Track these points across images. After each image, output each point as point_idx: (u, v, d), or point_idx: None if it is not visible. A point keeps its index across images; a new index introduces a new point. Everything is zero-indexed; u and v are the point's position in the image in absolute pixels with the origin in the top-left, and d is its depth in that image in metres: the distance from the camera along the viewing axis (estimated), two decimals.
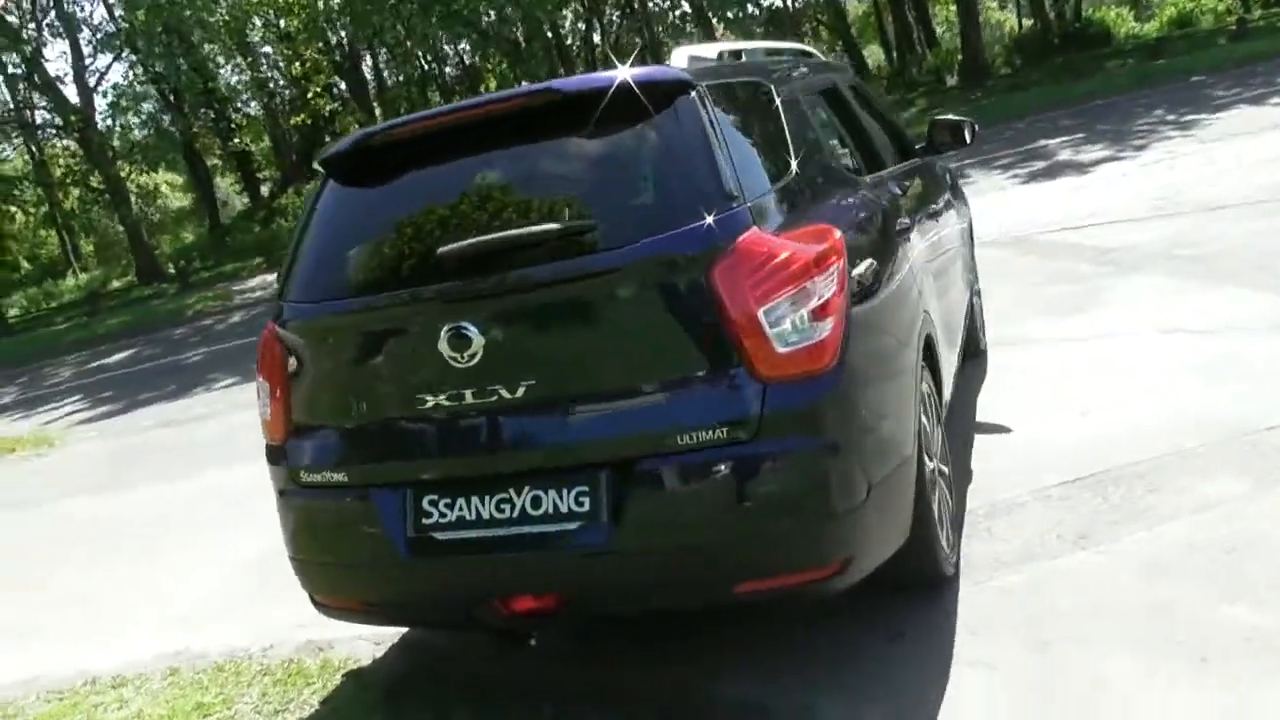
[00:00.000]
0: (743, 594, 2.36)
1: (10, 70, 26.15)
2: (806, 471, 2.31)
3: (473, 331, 2.38)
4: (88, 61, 26.66)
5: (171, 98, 30.34)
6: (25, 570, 5.13)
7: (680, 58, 2.70)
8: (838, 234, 2.45)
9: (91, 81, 26.88)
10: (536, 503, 2.39)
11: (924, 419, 2.77)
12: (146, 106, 31.80)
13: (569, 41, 31.52)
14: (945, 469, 3.07)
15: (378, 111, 31.17)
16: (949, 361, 3.51)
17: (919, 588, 2.84)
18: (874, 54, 40.13)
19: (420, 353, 2.44)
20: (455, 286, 2.41)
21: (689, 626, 2.93)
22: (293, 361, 2.65)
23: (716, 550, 2.33)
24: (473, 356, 2.39)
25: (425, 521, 2.50)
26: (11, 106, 29.14)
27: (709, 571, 2.37)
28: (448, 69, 36.35)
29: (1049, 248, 7.37)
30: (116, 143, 28.96)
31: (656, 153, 2.42)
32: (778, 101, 2.85)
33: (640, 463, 2.33)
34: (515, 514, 2.41)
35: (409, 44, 27.47)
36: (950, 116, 4.65)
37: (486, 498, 2.44)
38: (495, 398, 2.41)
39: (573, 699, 2.70)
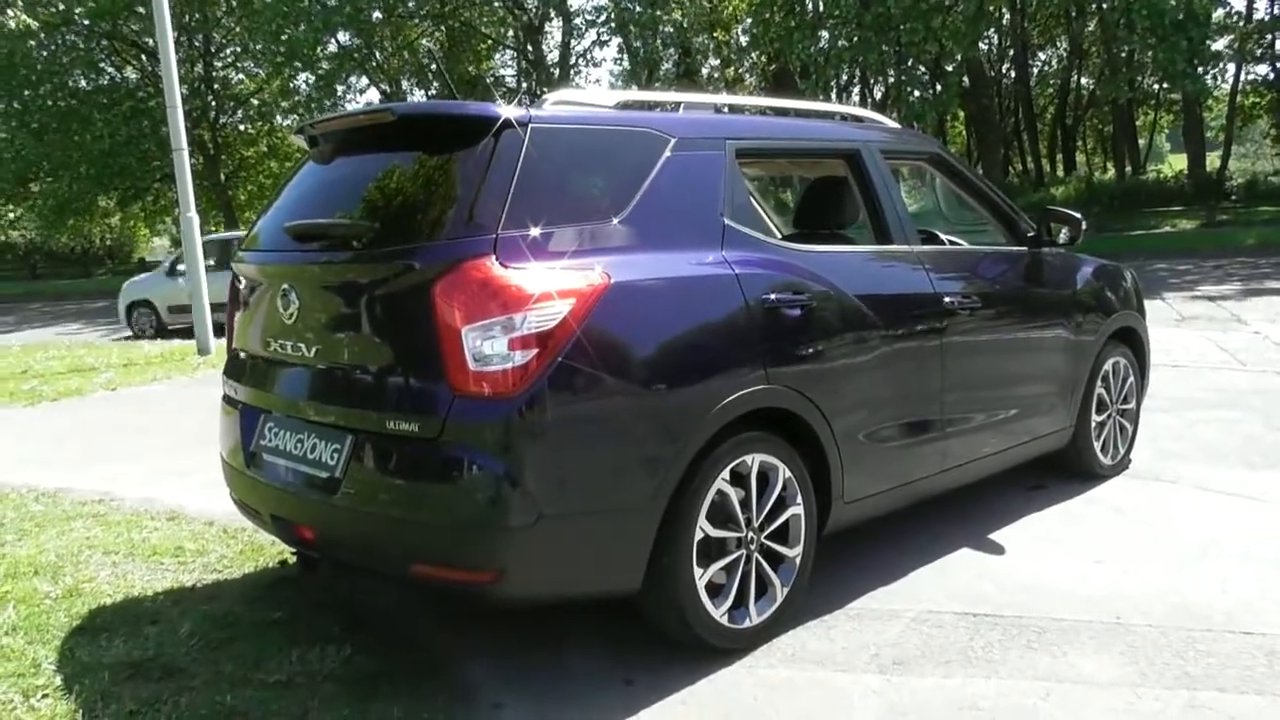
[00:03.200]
0: (418, 575, 2.64)
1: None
2: (470, 480, 2.53)
3: (292, 296, 2.89)
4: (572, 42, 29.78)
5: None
6: (173, 425, 6.51)
7: (551, 100, 2.95)
8: (592, 283, 2.59)
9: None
10: (314, 448, 2.85)
11: (710, 497, 2.80)
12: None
13: None
14: (790, 552, 3.05)
15: None
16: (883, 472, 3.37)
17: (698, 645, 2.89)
18: None
19: (271, 305, 3.00)
20: (288, 255, 2.94)
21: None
22: (239, 296, 3.33)
23: (398, 528, 2.63)
24: (291, 316, 2.91)
25: (260, 442, 3.06)
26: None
27: (393, 545, 2.68)
28: None
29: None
30: None
31: (445, 175, 2.73)
32: (664, 153, 2.96)
33: (368, 436, 2.70)
34: (302, 453, 2.89)
35: None
36: (1063, 209, 4.22)
37: (291, 434, 2.95)
38: (300, 354, 2.91)
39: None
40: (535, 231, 2.63)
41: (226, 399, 3.34)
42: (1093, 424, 4.45)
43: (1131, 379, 4.70)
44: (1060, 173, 33.91)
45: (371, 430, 2.69)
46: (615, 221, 2.79)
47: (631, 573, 2.70)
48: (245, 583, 3.56)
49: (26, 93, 21.57)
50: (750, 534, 2.96)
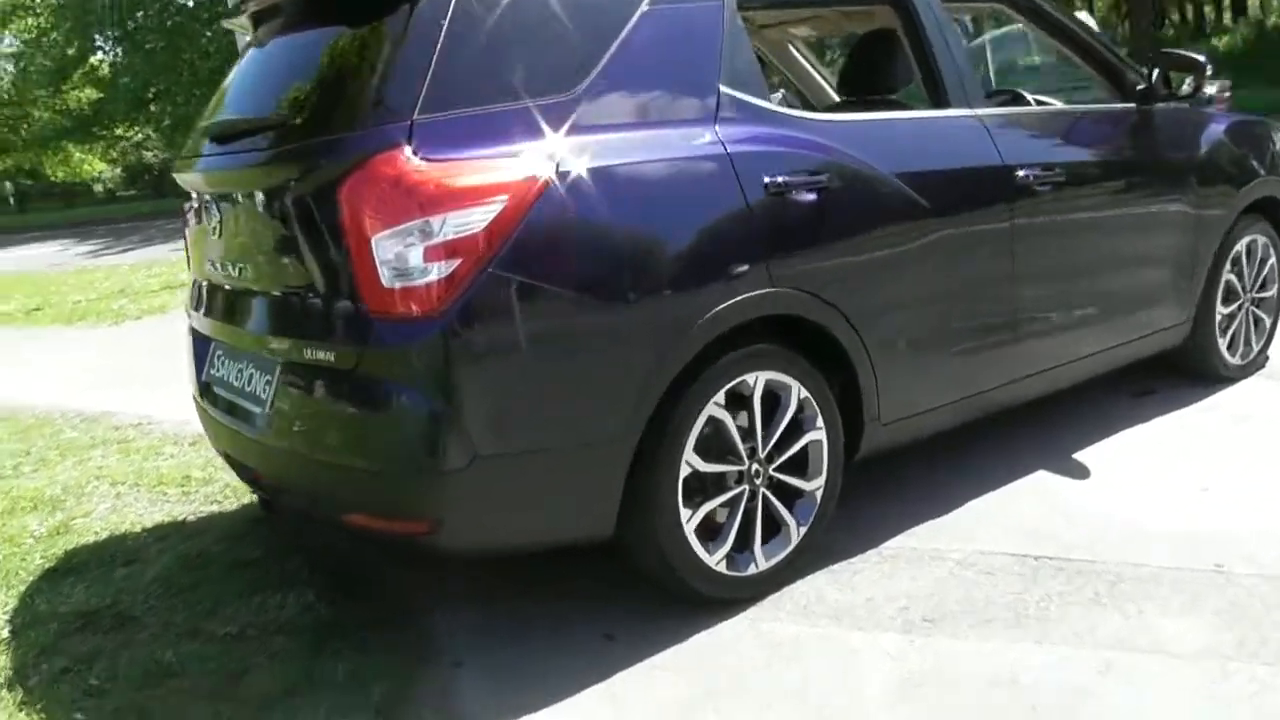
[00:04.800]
0: (353, 525, 2.30)
1: None
2: (391, 417, 2.16)
3: (214, 208, 2.54)
4: None
5: None
6: None
7: None
8: (534, 174, 2.12)
9: None
10: (250, 379, 2.53)
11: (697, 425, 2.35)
12: None
13: None
14: (809, 486, 2.60)
15: None
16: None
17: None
18: None
19: (203, 220, 2.65)
20: (210, 161, 2.56)
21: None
22: (186, 213, 2.98)
23: (325, 473, 2.29)
24: (215, 231, 2.55)
25: (210, 372, 2.76)
26: None
27: (324, 492, 2.34)
28: None
29: None
30: None
31: (361, 51, 2.27)
32: (639, 5, 2.41)
33: (290, 367, 2.35)
34: (240, 385, 2.57)
35: None
36: (1180, 52, 3.44)
37: (232, 363, 2.63)
38: (228, 273, 2.57)
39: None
40: (464, 114, 2.17)
41: (189, 328, 3.04)
42: (1217, 316, 3.72)
43: (1273, 261, 3.91)
44: (1227, 19, 30.19)
45: (294, 360, 2.34)
46: (573, 95, 2.29)
47: (601, 518, 2.29)
48: (234, 518, 3.33)
49: (139, 13, 21.99)
50: (755, 466, 2.50)
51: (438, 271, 2.06)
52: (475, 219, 2.07)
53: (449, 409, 2.11)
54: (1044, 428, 3.45)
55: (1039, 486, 3.04)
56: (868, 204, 2.63)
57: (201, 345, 2.84)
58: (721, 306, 2.33)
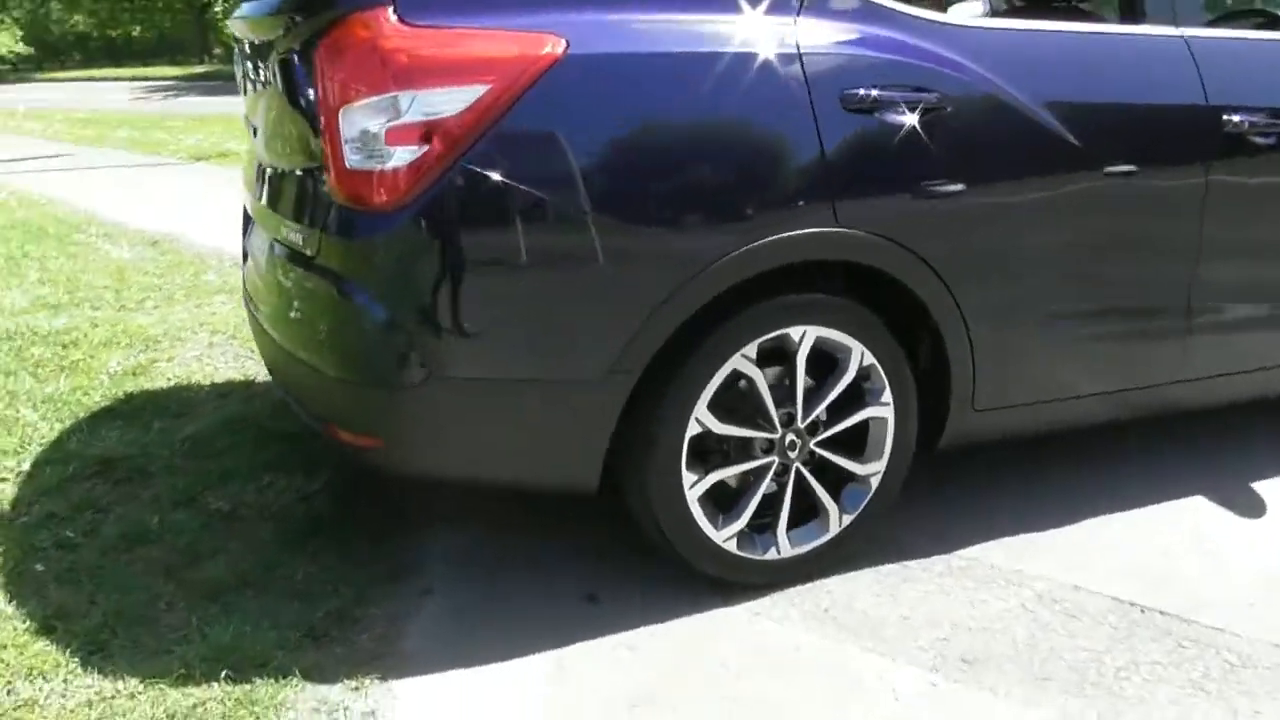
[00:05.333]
0: (327, 434, 2.07)
1: None
2: (342, 315, 1.89)
3: (243, 62, 2.33)
4: None
5: None
6: None
7: None
8: (532, 51, 1.74)
9: None
10: (261, 255, 2.33)
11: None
12: None
13: None
14: (864, 469, 2.16)
15: None
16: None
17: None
18: None
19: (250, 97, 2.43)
20: (246, 8, 2.32)
21: None
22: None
23: (296, 368, 2.06)
24: (243, 87, 2.36)
25: (246, 242, 2.61)
26: None
27: (296, 389, 2.13)
28: None
29: None
30: None
31: None
32: None
33: (274, 245, 2.13)
34: (257, 260, 2.39)
35: None
36: None
37: (255, 234, 2.45)
38: (252, 134, 2.37)
39: None
40: None
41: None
42: None
43: None
44: None
45: (276, 239, 2.12)
46: None
47: (583, 466, 1.96)
48: None
49: None
50: (791, 437, 2.08)
51: (402, 157, 1.74)
52: (453, 100, 1.72)
53: (404, 318, 1.82)
54: (1201, 449, 2.76)
55: (1180, 520, 2.42)
56: (990, 136, 2.06)
57: (246, 215, 2.68)
58: (760, 242, 1.88)
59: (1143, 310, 2.33)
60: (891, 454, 2.17)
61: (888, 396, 2.13)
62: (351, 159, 1.78)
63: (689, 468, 2.00)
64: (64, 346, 3.52)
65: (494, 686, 1.87)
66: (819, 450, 2.12)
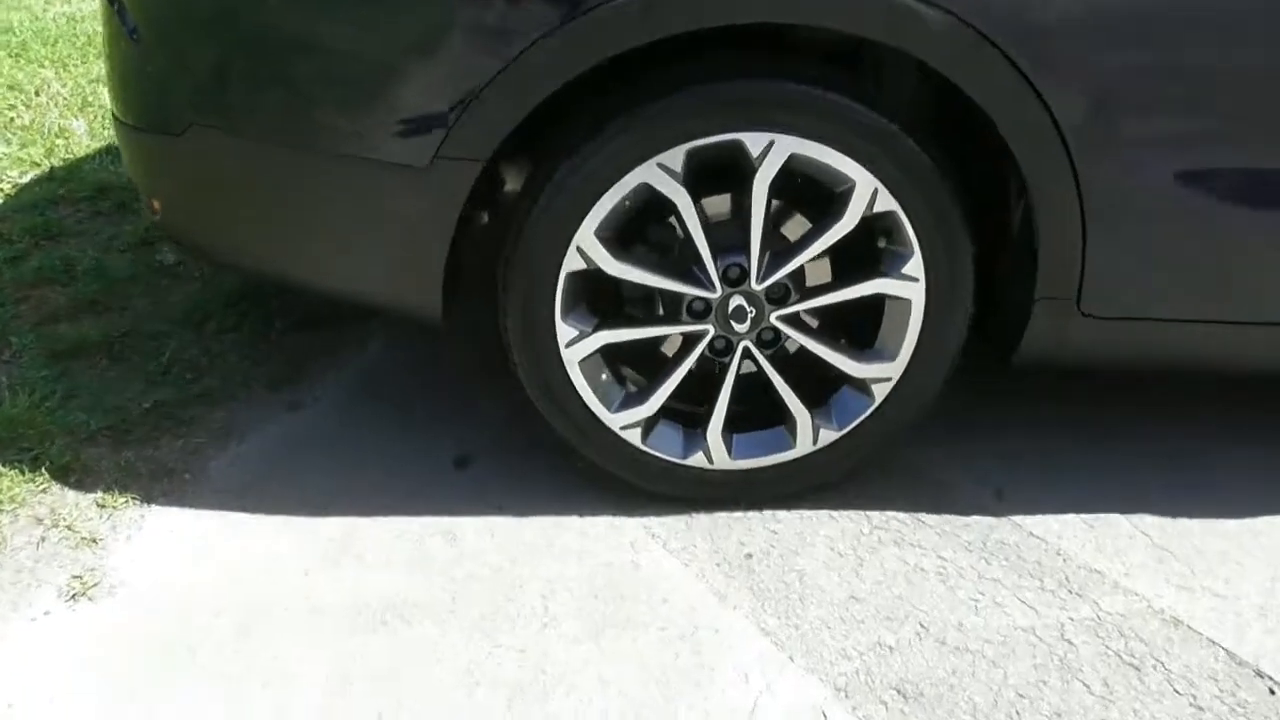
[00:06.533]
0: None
1: None
2: (121, 52, 1.42)
3: None
4: None
5: None
6: None
7: None
8: None
9: None
10: None
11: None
12: None
13: None
14: (864, 370, 1.40)
15: None
16: None
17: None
18: None
19: None
20: None
21: None
22: None
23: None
24: None
25: None
26: None
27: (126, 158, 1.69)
28: None
29: None
30: None
31: None
32: None
33: None
34: None
35: None
36: None
37: None
38: None
39: None
40: None
41: None
42: None
43: None
44: None
45: None
46: None
47: (414, 284, 1.39)
48: None
49: None
50: (739, 300, 1.37)
51: None
52: None
53: (168, 54, 1.30)
54: None
55: None
56: None
57: None
58: None
59: None
60: (915, 355, 1.40)
61: (916, 265, 1.34)
62: None
63: (567, 317, 1.36)
64: None
65: (264, 548, 1.43)
66: (785, 328, 1.39)
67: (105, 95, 2.90)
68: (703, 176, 1.31)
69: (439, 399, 1.75)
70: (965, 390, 1.52)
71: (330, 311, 1.97)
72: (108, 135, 2.74)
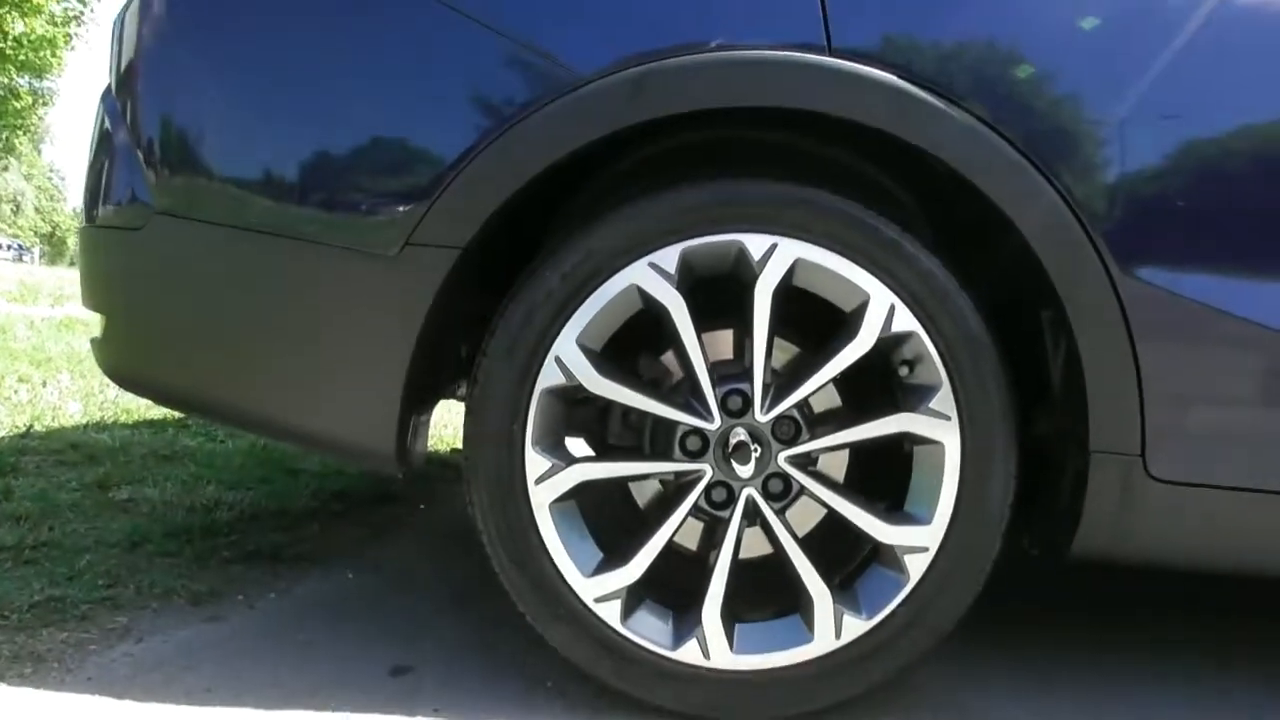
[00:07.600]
0: None
1: None
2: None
3: None
4: None
5: None
6: None
7: None
8: None
9: None
10: None
11: None
12: None
13: None
14: (893, 535, 1.14)
15: None
16: None
17: None
18: None
19: None
20: None
21: None
22: None
23: None
24: None
25: None
26: None
27: None
28: None
29: None
30: None
31: None
32: None
33: None
34: None
35: None
36: None
37: None
38: None
39: None
40: None
41: None
42: None
43: None
44: None
45: None
46: None
47: (364, 405, 1.19)
48: None
49: None
50: (741, 434, 1.16)
51: None
52: None
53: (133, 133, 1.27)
54: None
55: None
56: None
57: None
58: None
59: None
60: (955, 519, 1.16)
61: (946, 400, 1.15)
62: None
63: (538, 445, 1.16)
64: None
65: None
66: (795, 473, 1.17)
67: (111, 389, 2.90)
68: (698, 284, 1.17)
69: (383, 616, 1.46)
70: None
71: (293, 541, 1.75)
72: (101, 414, 2.68)
